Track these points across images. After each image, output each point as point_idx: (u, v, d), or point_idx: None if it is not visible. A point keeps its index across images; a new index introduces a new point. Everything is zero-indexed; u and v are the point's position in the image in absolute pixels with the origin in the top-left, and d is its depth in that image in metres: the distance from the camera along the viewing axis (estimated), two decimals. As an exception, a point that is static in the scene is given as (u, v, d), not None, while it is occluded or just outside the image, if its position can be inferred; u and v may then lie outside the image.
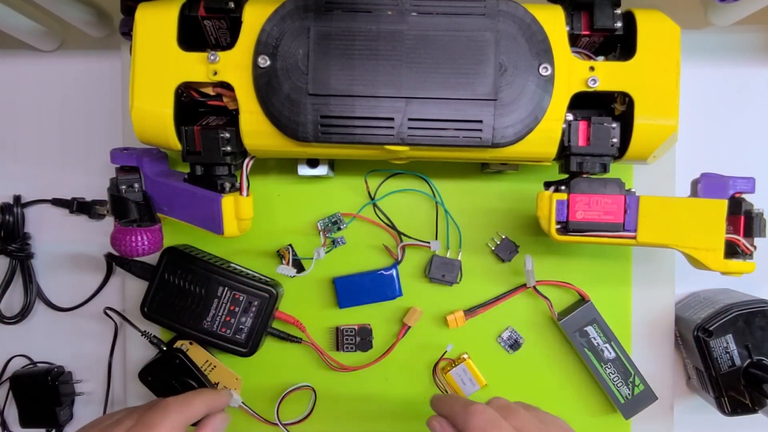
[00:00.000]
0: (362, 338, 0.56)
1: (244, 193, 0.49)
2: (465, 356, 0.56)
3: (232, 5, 0.45)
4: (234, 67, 0.45)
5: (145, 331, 0.56)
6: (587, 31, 0.46)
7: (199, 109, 0.50)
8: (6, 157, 0.61)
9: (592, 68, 0.45)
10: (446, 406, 0.44)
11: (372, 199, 0.56)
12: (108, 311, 0.59)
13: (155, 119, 0.46)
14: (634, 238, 0.46)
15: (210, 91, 0.47)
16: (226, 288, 0.52)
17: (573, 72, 0.45)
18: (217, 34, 0.48)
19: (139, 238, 0.48)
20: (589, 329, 0.54)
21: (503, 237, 0.56)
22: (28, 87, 0.61)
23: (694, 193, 0.48)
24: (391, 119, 0.44)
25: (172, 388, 0.55)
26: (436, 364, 0.56)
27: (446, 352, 0.56)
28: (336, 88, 0.44)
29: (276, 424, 0.56)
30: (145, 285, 0.54)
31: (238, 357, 0.53)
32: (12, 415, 0.61)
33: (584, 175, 0.46)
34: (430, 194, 0.57)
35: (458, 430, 0.42)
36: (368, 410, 0.58)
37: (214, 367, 0.56)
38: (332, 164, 0.55)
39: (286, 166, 0.56)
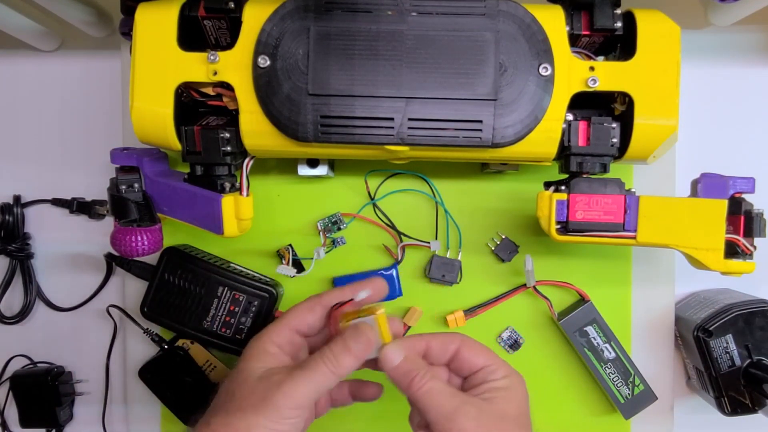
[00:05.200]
0: (362, 338, 0.56)
1: (244, 193, 0.49)
2: (380, 310, 0.42)
3: (232, 5, 0.45)
4: (234, 67, 0.45)
5: (147, 329, 0.56)
6: (587, 31, 0.46)
7: (199, 109, 0.50)
8: (6, 157, 0.61)
9: (592, 68, 0.45)
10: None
11: (372, 199, 0.56)
12: (111, 309, 0.59)
13: (155, 119, 0.46)
14: (634, 238, 0.46)
15: (210, 91, 0.47)
16: (226, 288, 0.52)
17: (573, 72, 0.45)
18: (217, 34, 0.48)
19: (139, 238, 0.48)
20: (589, 329, 0.54)
21: (503, 237, 0.56)
22: (28, 87, 0.61)
23: (694, 193, 0.48)
24: (391, 119, 0.44)
25: (172, 387, 0.55)
26: (338, 306, 0.43)
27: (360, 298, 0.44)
28: (336, 88, 0.44)
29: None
30: (145, 285, 0.54)
31: (238, 357, 0.53)
32: (12, 415, 0.61)
33: (584, 175, 0.46)
34: (430, 194, 0.57)
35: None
36: (368, 410, 0.58)
37: (215, 367, 0.56)
38: (332, 164, 0.55)
39: (286, 166, 0.56)
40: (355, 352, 0.40)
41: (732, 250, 0.46)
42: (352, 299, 0.43)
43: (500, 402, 0.40)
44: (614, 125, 0.46)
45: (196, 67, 0.45)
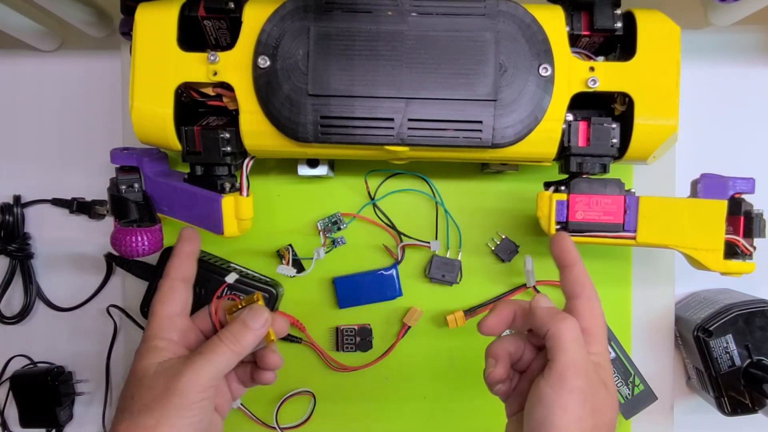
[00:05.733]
0: (362, 338, 0.56)
1: (244, 193, 0.49)
2: (259, 300, 0.43)
3: (232, 5, 0.45)
4: (234, 67, 0.45)
5: (146, 330, 0.56)
6: (587, 32, 0.46)
7: (199, 109, 0.50)
8: (6, 157, 0.61)
9: (592, 68, 0.45)
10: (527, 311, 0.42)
11: (372, 199, 0.56)
12: (111, 309, 0.59)
13: (155, 119, 0.46)
14: (634, 238, 0.46)
15: (210, 91, 0.47)
16: (226, 288, 0.52)
17: (573, 72, 0.45)
18: (217, 34, 0.48)
19: (139, 238, 0.48)
20: (589, 329, 0.54)
21: (503, 237, 0.56)
22: (28, 87, 0.61)
23: (694, 193, 0.48)
24: (391, 119, 0.44)
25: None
26: (217, 299, 0.44)
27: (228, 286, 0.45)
28: (336, 89, 0.44)
29: (274, 428, 0.56)
30: (145, 285, 0.54)
31: None
32: (12, 415, 0.61)
33: (584, 176, 0.46)
34: (430, 194, 0.57)
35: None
36: (368, 410, 0.58)
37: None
38: (332, 164, 0.55)
39: (286, 166, 0.56)
40: (254, 330, 0.41)
41: (732, 251, 0.46)
42: (225, 284, 0.46)
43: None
44: (614, 125, 0.46)
45: (196, 67, 0.45)
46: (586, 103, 0.47)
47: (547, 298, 0.43)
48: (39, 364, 0.61)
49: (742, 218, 0.47)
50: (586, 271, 0.42)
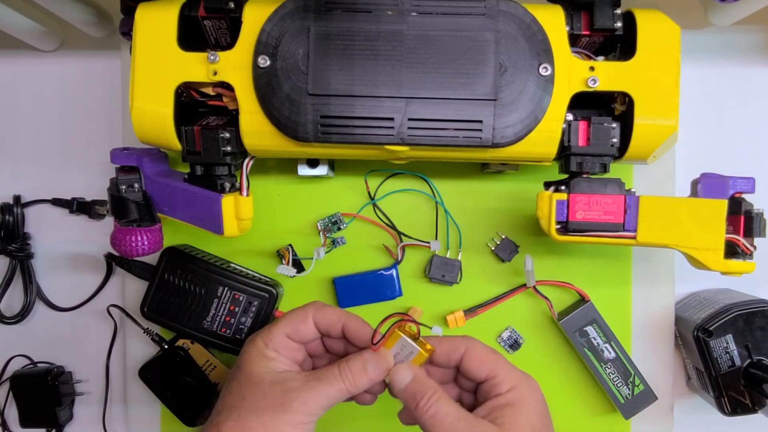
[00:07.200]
0: (362, 338, 0.56)
1: (244, 193, 0.49)
2: (429, 348, 0.42)
3: (232, 5, 0.45)
4: (234, 67, 0.45)
5: (147, 329, 0.56)
6: (587, 31, 0.46)
7: (199, 109, 0.50)
8: (6, 157, 0.61)
9: (592, 68, 0.45)
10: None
11: (372, 199, 0.56)
12: (111, 309, 0.59)
13: (155, 119, 0.46)
14: (634, 238, 0.46)
15: (210, 91, 0.47)
16: (226, 288, 0.52)
17: (573, 72, 0.45)
18: (217, 34, 0.48)
19: (139, 238, 0.48)
20: (589, 329, 0.54)
21: (503, 237, 0.56)
22: (28, 87, 0.61)
23: (694, 193, 0.48)
24: (391, 119, 0.44)
25: (172, 387, 0.55)
26: (399, 319, 0.43)
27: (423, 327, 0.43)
28: (336, 88, 0.44)
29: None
30: (145, 285, 0.54)
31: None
32: (12, 415, 0.61)
33: (584, 175, 0.46)
34: (430, 194, 0.57)
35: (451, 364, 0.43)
36: (368, 410, 0.58)
37: (215, 367, 0.56)
38: (332, 164, 0.55)
39: (286, 166, 0.56)
40: (371, 376, 0.42)
41: (732, 250, 0.46)
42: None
43: (507, 422, 0.39)
44: (614, 125, 0.46)
45: (196, 67, 0.45)
46: (586, 103, 0.47)
47: (406, 372, 0.42)
48: (39, 364, 0.61)
49: (742, 218, 0.47)
50: (443, 340, 0.43)
